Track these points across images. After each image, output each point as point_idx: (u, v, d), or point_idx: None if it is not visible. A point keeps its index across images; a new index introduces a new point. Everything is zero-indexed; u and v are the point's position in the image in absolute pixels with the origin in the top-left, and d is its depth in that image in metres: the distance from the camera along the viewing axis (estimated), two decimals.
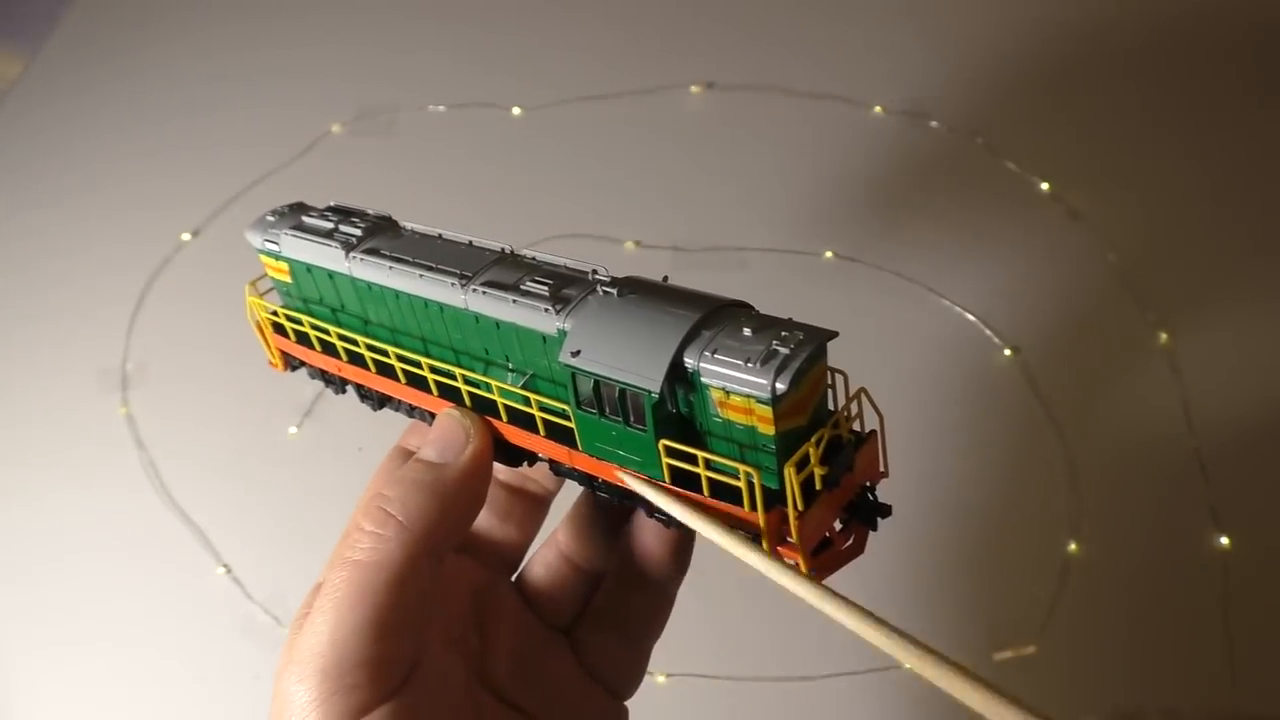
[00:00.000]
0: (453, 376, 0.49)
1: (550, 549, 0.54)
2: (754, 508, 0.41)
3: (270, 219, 0.55)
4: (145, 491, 0.92)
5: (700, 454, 0.41)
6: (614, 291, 0.44)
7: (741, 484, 0.40)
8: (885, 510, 0.44)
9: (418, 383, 0.52)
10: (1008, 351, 0.91)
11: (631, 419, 0.42)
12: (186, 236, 1.09)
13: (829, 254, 0.99)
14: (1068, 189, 1.00)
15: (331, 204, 0.55)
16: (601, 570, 0.54)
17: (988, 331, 0.92)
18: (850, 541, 0.44)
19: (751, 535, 0.42)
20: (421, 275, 0.49)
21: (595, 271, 0.46)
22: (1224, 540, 0.80)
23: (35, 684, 0.84)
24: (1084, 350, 0.92)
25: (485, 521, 0.54)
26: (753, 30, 1.18)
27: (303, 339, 0.56)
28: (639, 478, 0.44)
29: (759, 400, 0.39)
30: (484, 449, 0.47)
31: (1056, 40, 1.12)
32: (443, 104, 1.17)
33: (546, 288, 0.46)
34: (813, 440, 0.40)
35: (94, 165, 1.18)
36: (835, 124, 1.09)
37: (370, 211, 0.55)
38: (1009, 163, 1.03)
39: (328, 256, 0.52)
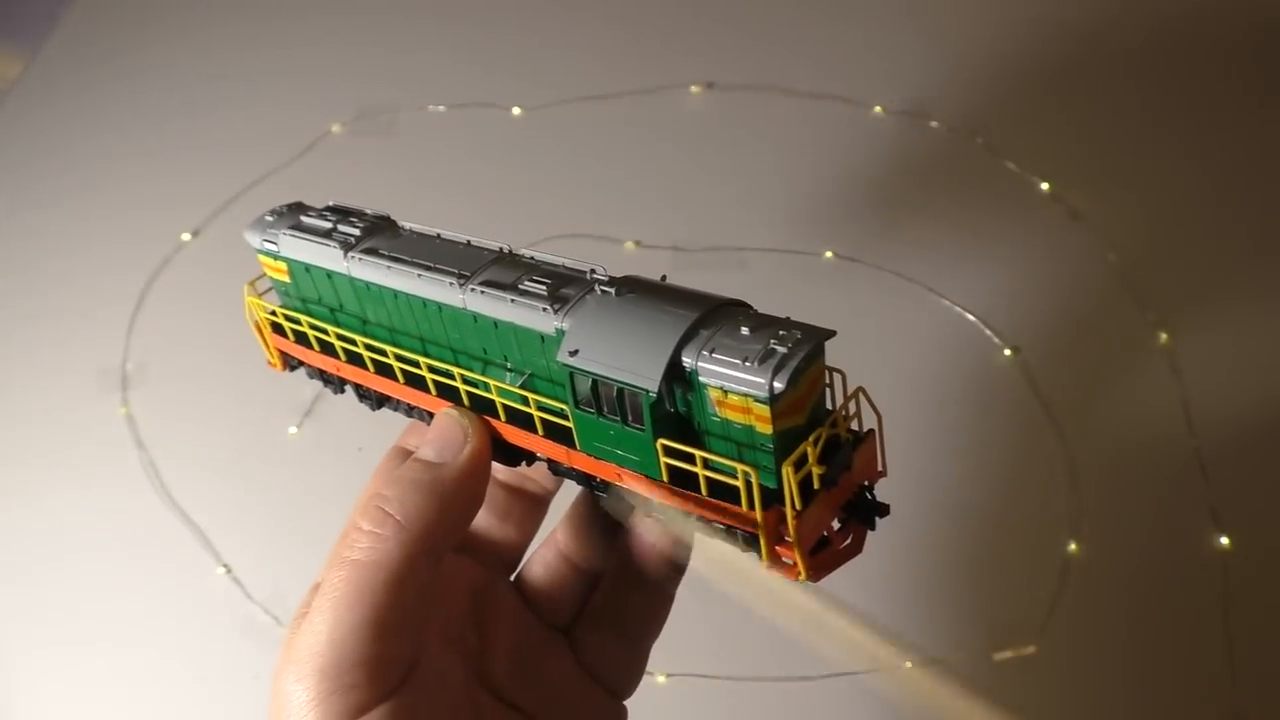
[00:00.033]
0: (451, 376, 0.49)
1: (549, 548, 0.54)
2: (752, 507, 0.41)
3: (269, 219, 0.55)
4: (145, 491, 0.92)
5: (698, 453, 0.41)
6: (612, 291, 0.44)
7: (739, 483, 0.40)
8: (883, 509, 0.44)
9: (416, 382, 0.52)
10: (1008, 351, 0.91)
11: (629, 418, 0.42)
12: (186, 236, 1.09)
13: (829, 254, 0.99)
14: (1068, 189, 1.00)
15: (330, 204, 0.55)
16: (600, 570, 0.54)
17: (988, 331, 0.92)
18: (848, 541, 0.44)
19: (749, 534, 0.42)
20: (420, 275, 0.49)
21: (593, 271, 0.46)
22: (1224, 540, 0.80)
23: (35, 684, 0.84)
24: (1084, 350, 0.92)
25: (484, 521, 0.54)
26: (753, 30, 1.18)
27: (301, 339, 0.56)
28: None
29: (757, 399, 0.39)
30: (482, 448, 0.47)
31: (1057, 40, 1.12)
32: (443, 104, 1.17)
33: (545, 287, 0.46)
34: (810, 439, 0.40)
35: (94, 165, 1.18)
36: (835, 124, 1.09)
37: (369, 211, 0.55)
38: (1009, 163, 1.03)
39: (326, 256, 0.52)
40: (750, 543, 0.42)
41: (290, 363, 0.59)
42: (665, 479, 0.43)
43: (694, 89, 1.13)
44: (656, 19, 1.21)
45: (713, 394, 0.41)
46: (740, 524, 0.42)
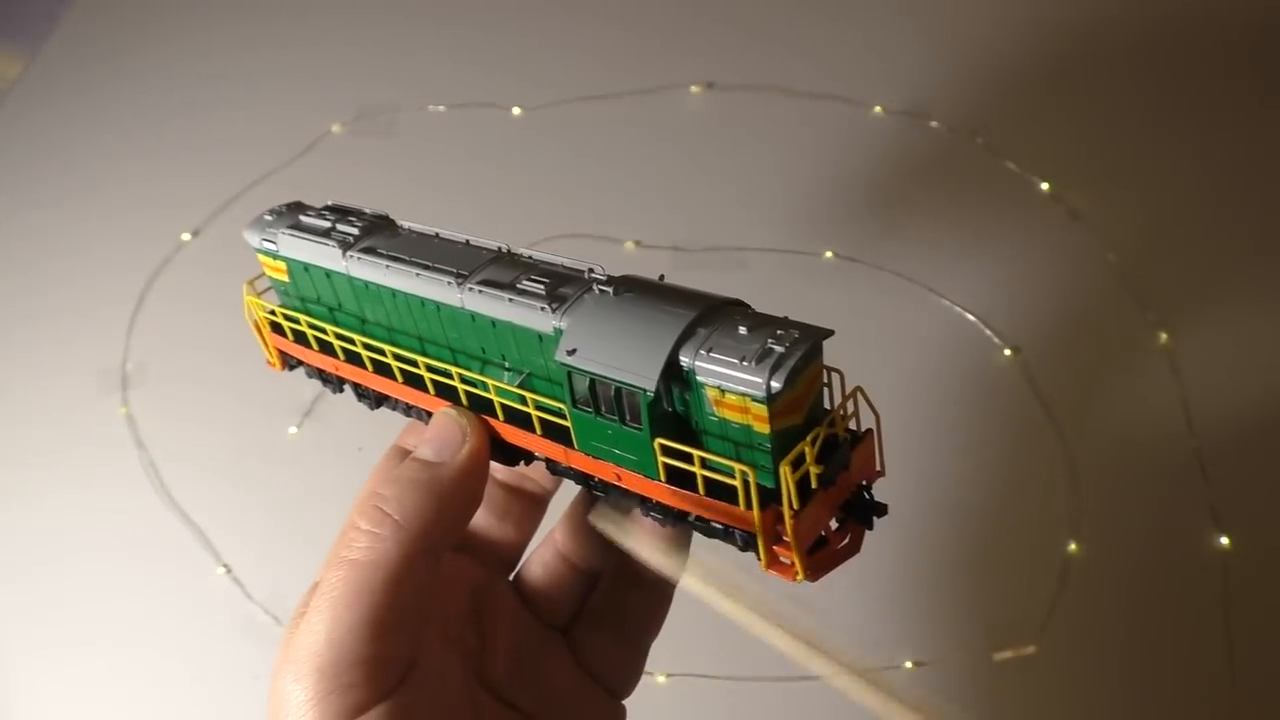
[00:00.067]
0: (449, 375, 0.49)
1: (548, 548, 0.54)
2: (749, 506, 0.41)
3: (268, 218, 0.55)
4: (145, 491, 0.92)
5: (696, 453, 0.41)
6: (610, 290, 0.44)
7: (737, 483, 0.40)
8: (881, 509, 0.44)
9: (415, 382, 0.52)
10: (1008, 351, 0.91)
11: (627, 418, 0.42)
12: (186, 236, 1.09)
13: (829, 254, 0.99)
14: (1068, 189, 1.00)
15: (329, 203, 0.55)
16: (599, 569, 0.54)
17: (988, 331, 0.92)
18: (846, 541, 0.44)
19: (746, 534, 0.42)
20: (418, 274, 0.49)
21: (591, 270, 0.46)
22: (1224, 540, 0.80)
23: (35, 684, 0.84)
24: (1084, 350, 0.92)
25: (483, 520, 0.54)
26: (753, 30, 1.18)
27: (300, 338, 0.56)
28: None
29: (754, 399, 0.39)
30: (480, 448, 0.47)
31: (1056, 40, 1.12)
32: (443, 104, 1.17)
33: (543, 286, 0.46)
34: (808, 439, 0.40)
35: (94, 165, 1.18)
36: (835, 124, 1.09)
37: (367, 210, 0.55)
38: (1009, 163, 1.03)
39: (325, 255, 0.52)
40: (748, 543, 0.42)
41: (289, 362, 0.59)
42: (663, 478, 0.43)
43: (694, 89, 1.13)
44: (656, 19, 1.21)
45: (710, 393, 0.41)
46: (738, 524, 0.42)
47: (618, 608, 0.53)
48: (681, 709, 0.78)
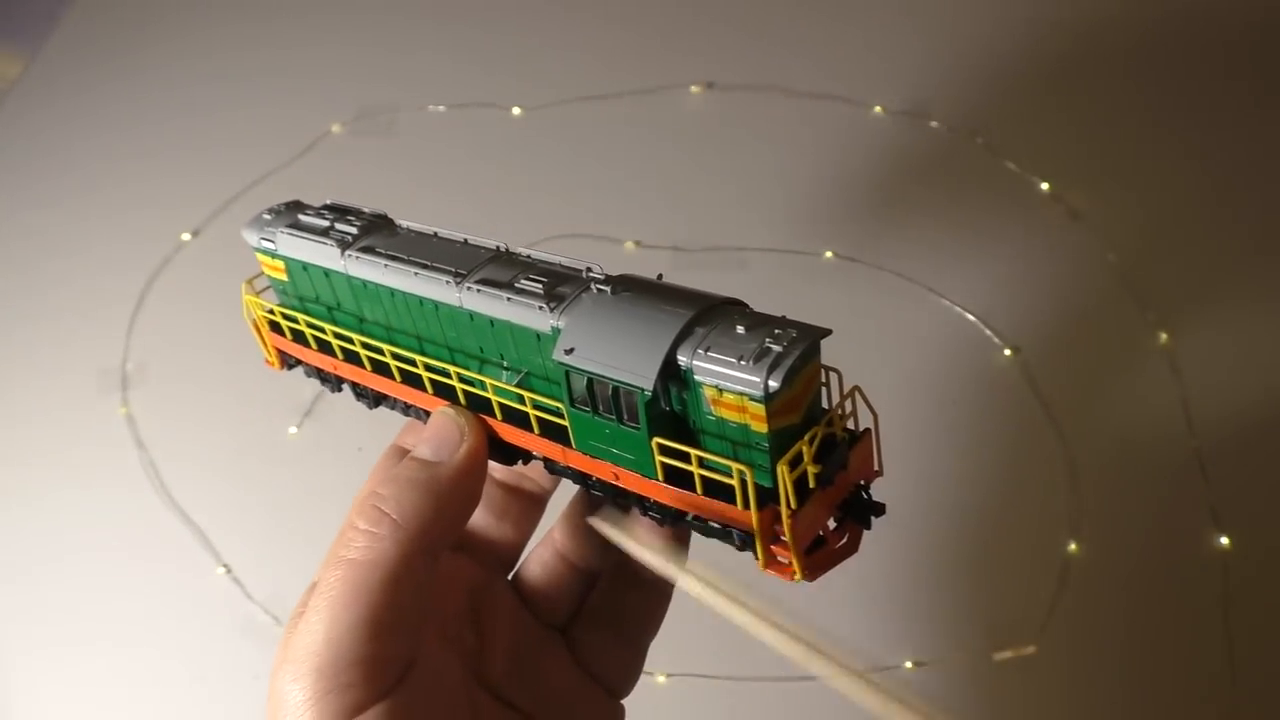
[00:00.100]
0: (448, 375, 0.49)
1: (546, 547, 0.54)
2: (747, 506, 0.40)
3: (266, 217, 0.55)
4: (145, 491, 0.92)
5: (694, 452, 0.41)
6: (608, 289, 0.44)
7: (735, 482, 0.40)
8: (879, 509, 0.44)
9: (413, 381, 0.52)
10: (1008, 351, 0.91)
11: (625, 417, 0.42)
12: (186, 236, 1.09)
13: (829, 254, 0.99)
14: (1068, 189, 1.00)
15: (327, 202, 0.55)
16: (598, 569, 0.54)
17: (988, 331, 0.92)
18: (844, 540, 0.44)
19: (744, 534, 0.42)
20: (416, 273, 0.49)
21: (589, 269, 0.46)
22: (1224, 540, 0.80)
23: (35, 684, 0.84)
24: (1084, 350, 0.92)
25: (481, 520, 0.54)
26: (753, 30, 1.18)
27: (299, 337, 0.56)
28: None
29: (752, 398, 0.39)
30: (478, 447, 0.47)
31: (1056, 40, 1.12)
32: (443, 104, 1.17)
33: (541, 285, 0.46)
34: (806, 438, 0.40)
35: (94, 165, 1.18)
36: (835, 124, 1.09)
37: (366, 210, 0.55)
38: (1009, 163, 1.03)
39: (323, 254, 0.52)
40: (746, 542, 0.42)
41: (288, 361, 0.59)
42: (661, 478, 0.43)
43: (694, 89, 1.13)
44: (656, 19, 1.21)
45: (708, 392, 0.41)
46: (735, 523, 0.42)
47: (616, 607, 0.53)
48: (681, 709, 0.78)
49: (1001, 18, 1.14)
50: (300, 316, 0.55)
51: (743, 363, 0.39)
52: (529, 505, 0.55)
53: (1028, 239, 0.98)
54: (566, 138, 1.12)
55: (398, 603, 0.43)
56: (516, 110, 1.15)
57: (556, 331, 0.44)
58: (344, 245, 0.51)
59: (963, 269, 0.96)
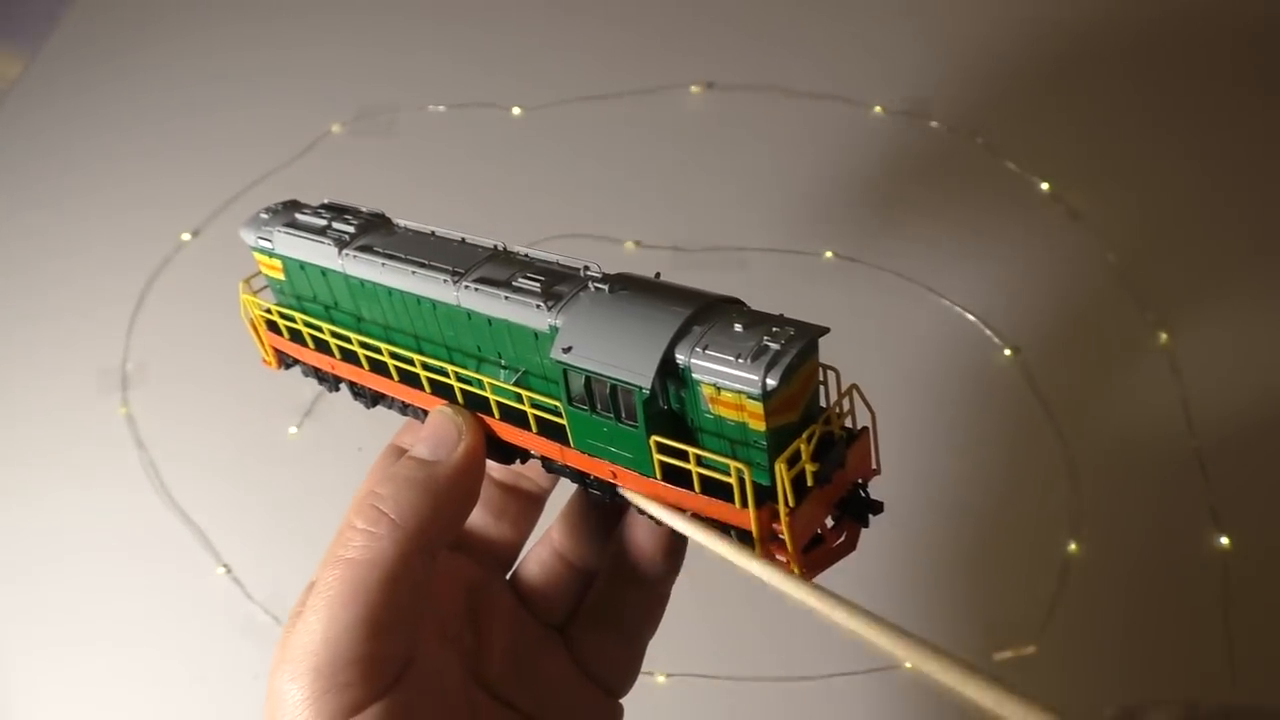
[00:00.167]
0: (445, 374, 0.49)
1: (545, 546, 0.54)
2: (745, 504, 0.40)
3: (264, 216, 0.55)
4: (145, 491, 0.92)
5: (692, 450, 0.41)
6: (605, 288, 0.44)
7: (733, 480, 0.40)
8: (877, 507, 0.44)
9: (411, 380, 0.52)
10: (1008, 351, 0.91)
11: (623, 415, 0.42)
12: (186, 236, 1.09)
13: (829, 254, 0.99)
14: (1068, 189, 1.00)
15: (325, 201, 0.55)
16: (596, 568, 0.54)
17: (988, 331, 0.92)
18: (842, 539, 0.44)
19: (742, 532, 0.42)
20: (414, 272, 0.49)
21: (587, 268, 0.46)
22: (1224, 540, 0.80)
23: (35, 684, 0.84)
24: (1084, 350, 0.92)
25: (479, 519, 0.54)
26: (753, 30, 1.18)
27: (296, 336, 0.56)
28: (632, 487, 0.44)
29: (750, 396, 0.39)
30: (476, 446, 0.47)
31: (1056, 40, 1.12)
32: (443, 104, 1.17)
33: (538, 284, 0.46)
34: (804, 436, 0.40)
35: (94, 165, 1.18)
36: (835, 124, 1.09)
37: (364, 209, 0.55)
38: (1009, 163, 1.03)
39: (321, 253, 0.52)
40: (744, 540, 0.42)
41: (286, 360, 0.59)
42: (659, 476, 0.43)
43: (694, 89, 1.13)
44: (656, 19, 1.21)
45: (706, 391, 0.41)
46: (733, 522, 0.42)
47: (615, 606, 0.53)
48: (681, 709, 0.78)
49: (1001, 18, 1.14)
50: (298, 316, 0.55)
51: (741, 361, 0.39)
52: (527, 504, 0.55)
53: (1027, 239, 0.98)
54: (566, 138, 1.12)
55: (396, 602, 0.43)
56: (516, 110, 1.15)
57: (554, 330, 0.44)
58: (341, 244, 0.51)
59: (962, 269, 0.96)
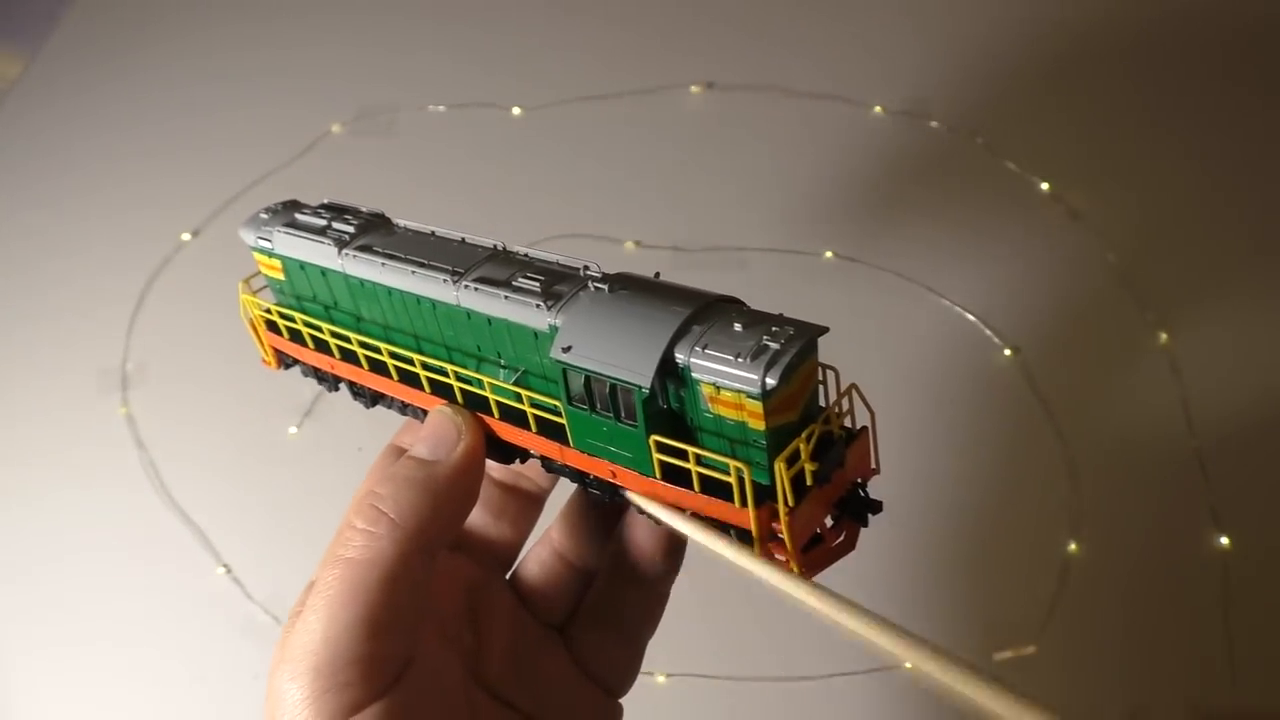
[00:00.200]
0: (445, 373, 0.49)
1: (544, 546, 0.54)
2: (744, 503, 0.40)
3: (263, 216, 0.55)
4: (145, 491, 0.92)
5: (691, 450, 0.41)
6: (605, 287, 0.44)
7: (732, 480, 0.40)
8: (876, 506, 0.44)
9: (410, 380, 0.52)
10: (1007, 351, 0.91)
11: (622, 415, 0.42)
12: (186, 236, 1.09)
13: (829, 254, 0.99)
14: (1068, 189, 1.00)
15: (325, 201, 0.55)
16: (595, 568, 0.54)
17: (988, 331, 0.92)
18: (841, 538, 0.44)
19: (742, 532, 0.42)
20: (414, 272, 0.49)
21: (587, 268, 0.46)
22: (1224, 540, 0.80)
23: (35, 684, 0.84)
24: (1084, 350, 0.92)
25: (479, 519, 0.54)
26: (753, 30, 1.18)
27: (296, 336, 0.56)
28: (632, 487, 0.44)
29: (749, 395, 0.39)
30: (476, 446, 0.47)
31: (1056, 40, 1.12)
32: (443, 104, 1.17)
33: (538, 284, 0.46)
34: (803, 436, 0.40)
35: (94, 165, 1.18)
36: (835, 124, 1.09)
37: (363, 209, 0.55)
38: (1009, 163, 1.03)
39: (320, 253, 0.52)
40: (743, 540, 0.42)
41: (285, 360, 0.59)
42: (658, 476, 0.43)
43: (694, 89, 1.13)
44: (656, 19, 1.21)
45: (705, 390, 0.41)
46: (733, 521, 0.42)
47: (614, 606, 0.53)
48: (681, 709, 0.78)
49: (1001, 17, 1.14)
50: (297, 316, 0.55)
51: (740, 360, 0.39)
52: (527, 504, 0.55)
53: (1027, 239, 0.98)
54: (566, 138, 1.12)
55: (395, 602, 0.43)
56: (516, 110, 1.15)
57: (554, 329, 0.44)
58: (341, 244, 0.51)
59: (962, 269, 0.96)
